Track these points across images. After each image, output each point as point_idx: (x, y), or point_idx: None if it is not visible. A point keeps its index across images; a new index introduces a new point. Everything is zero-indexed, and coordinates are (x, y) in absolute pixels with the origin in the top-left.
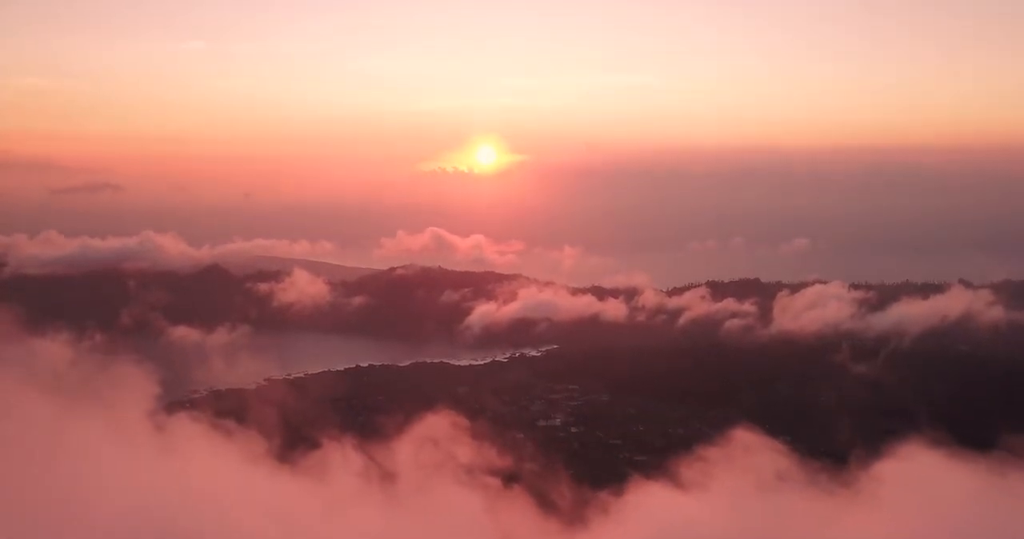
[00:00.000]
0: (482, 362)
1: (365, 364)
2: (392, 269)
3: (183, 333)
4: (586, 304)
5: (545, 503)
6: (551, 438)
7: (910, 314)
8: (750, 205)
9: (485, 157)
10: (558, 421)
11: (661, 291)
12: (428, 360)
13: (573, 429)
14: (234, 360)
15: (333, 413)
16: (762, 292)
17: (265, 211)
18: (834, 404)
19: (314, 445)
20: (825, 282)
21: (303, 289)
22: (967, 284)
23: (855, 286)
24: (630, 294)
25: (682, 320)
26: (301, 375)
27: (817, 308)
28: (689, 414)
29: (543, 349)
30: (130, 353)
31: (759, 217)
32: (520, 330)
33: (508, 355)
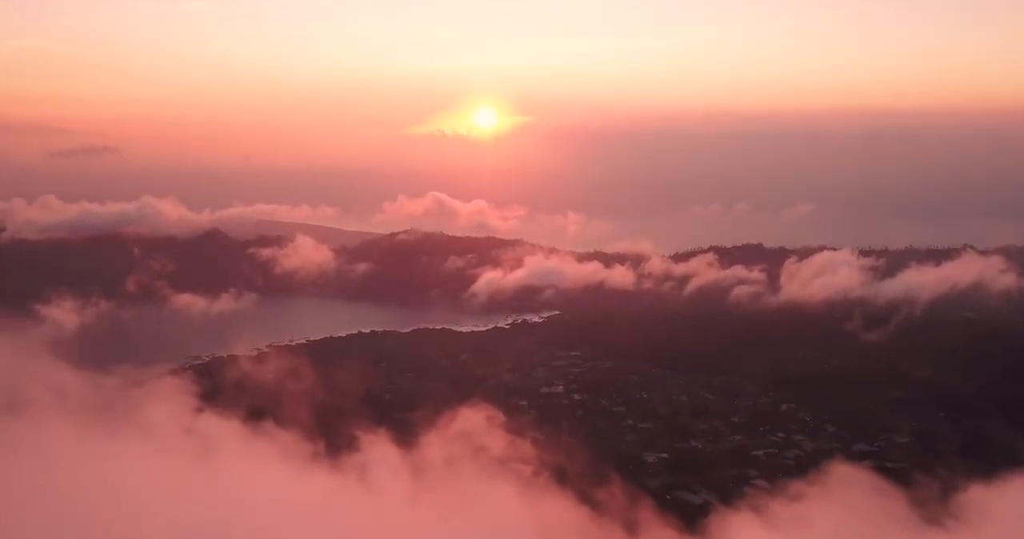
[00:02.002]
0: (484, 328)
1: (367, 330)
2: (394, 234)
3: (185, 299)
4: (592, 271)
5: (567, 484)
6: (554, 405)
7: (921, 281)
8: (754, 169)
9: (484, 120)
10: (561, 388)
11: (667, 257)
12: (430, 326)
13: (576, 396)
14: (236, 326)
15: (333, 380)
16: (770, 258)
17: (264, 175)
18: (842, 372)
19: (313, 412)
20: (835, 249)
21: (306, 255)
22: (973, 249)
23: (864, 253)
24: (636, 260)
25: (689, 287)
26: (303, 342)
27: (826, 275)
28: (692, 381)
29: (545, 315)
30: (133, 320)
31: (763, 181)
32: (526, 297)
33: (510, 322)
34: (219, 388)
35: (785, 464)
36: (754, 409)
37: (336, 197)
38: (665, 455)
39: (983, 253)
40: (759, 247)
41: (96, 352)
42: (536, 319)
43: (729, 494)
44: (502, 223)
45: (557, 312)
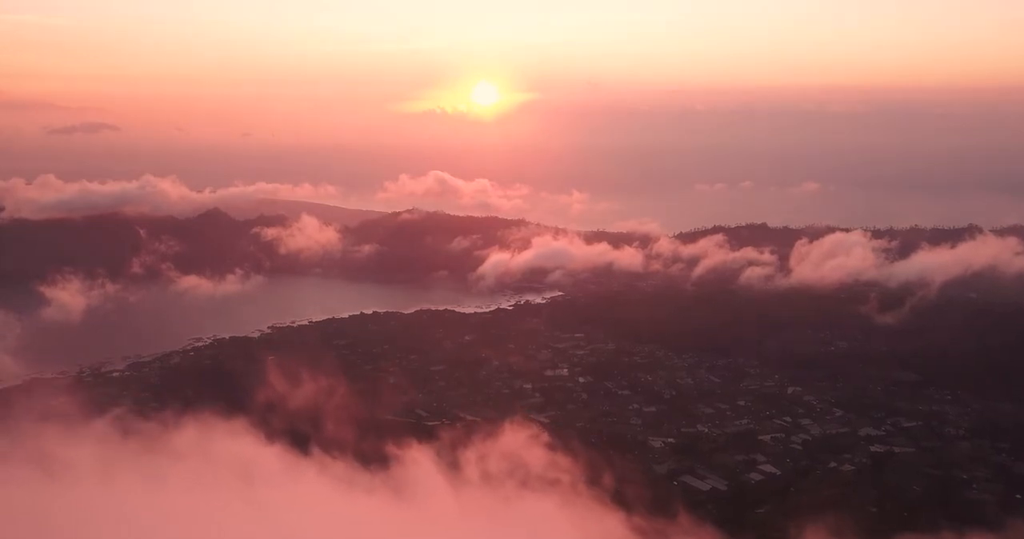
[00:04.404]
0: (487, 310)
1: (370, 311)
2: (397, 213)
3: (187, 279)
4: (600, 252)
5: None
6: (559, 388)
7: (935, 263)
8: (758, 146)
9: (486, 97)
10: (565, 371)
11: (675, 239)
12: (433, 307)
13: (581, 379)
14: (239, 307)
15: (335, 362)
16: (775, 238)
17: (264, 152)
18: (850, 355)
19: (312, 395)
20: (846, 230)
21: (309, 234)
22: (979, 229)
23: (876, 233)
24: (644, 241)
25: (699, 269)
26: (305, 323)
27: (838, 256)
28: (698, 364)
29: (548, 297)
30: (140, 302)
31: (767, 159)
32: (532, 278)
33: (513, 303)
34: (224, 372)
35: (792, 449)
36: (760, 392)
37: (337, 175)
38: (671, 439)
39: (998, 233)
40: (763, 227)
41: (106, 336)
42: (540, 300)
43: (736, 480)
44: (505, 202)
45: (560, 293)
